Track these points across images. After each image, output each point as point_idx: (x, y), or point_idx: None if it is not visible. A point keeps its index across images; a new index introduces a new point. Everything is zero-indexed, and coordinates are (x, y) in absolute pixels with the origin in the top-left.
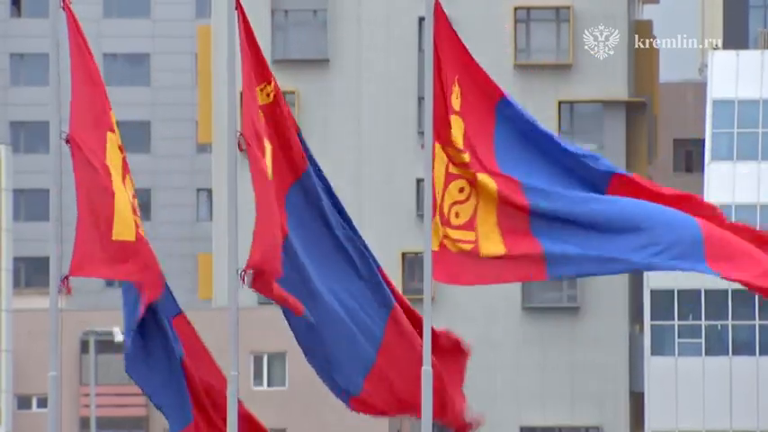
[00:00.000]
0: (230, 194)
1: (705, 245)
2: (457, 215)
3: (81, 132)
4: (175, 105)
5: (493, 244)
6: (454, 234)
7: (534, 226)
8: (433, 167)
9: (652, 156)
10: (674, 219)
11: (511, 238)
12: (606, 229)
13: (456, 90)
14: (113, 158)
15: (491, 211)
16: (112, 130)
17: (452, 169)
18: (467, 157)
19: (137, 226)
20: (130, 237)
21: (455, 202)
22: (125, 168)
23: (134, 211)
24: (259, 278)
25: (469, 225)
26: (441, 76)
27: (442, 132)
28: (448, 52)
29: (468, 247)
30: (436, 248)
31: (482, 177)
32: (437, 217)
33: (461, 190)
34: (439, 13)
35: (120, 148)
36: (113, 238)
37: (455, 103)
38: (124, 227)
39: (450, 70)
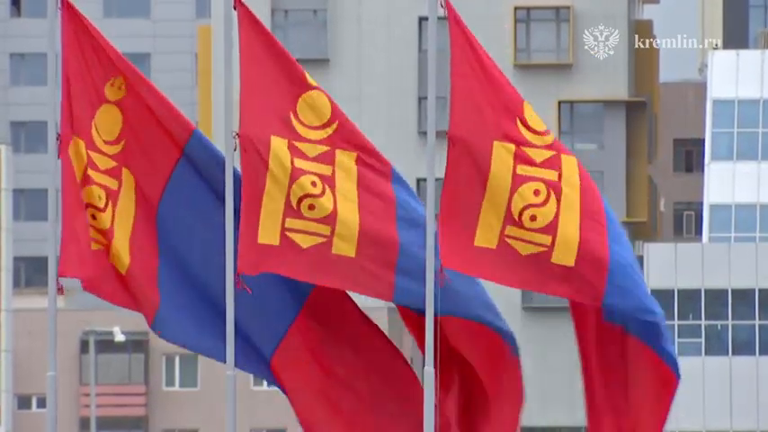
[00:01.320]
0: (228, 194)
1: None
2: (532, 218)
3: (69, 132)
4: (176, 105)
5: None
6: (528, 235)
7: None
8: (491, 167)
9: (652, 155)
10: None
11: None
12: None
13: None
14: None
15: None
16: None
17: (520, 170)
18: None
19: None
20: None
21: (528, 205)
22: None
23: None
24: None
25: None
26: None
27: (505, 126)
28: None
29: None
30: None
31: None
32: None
33: (536, 192)
34: (451, 12)
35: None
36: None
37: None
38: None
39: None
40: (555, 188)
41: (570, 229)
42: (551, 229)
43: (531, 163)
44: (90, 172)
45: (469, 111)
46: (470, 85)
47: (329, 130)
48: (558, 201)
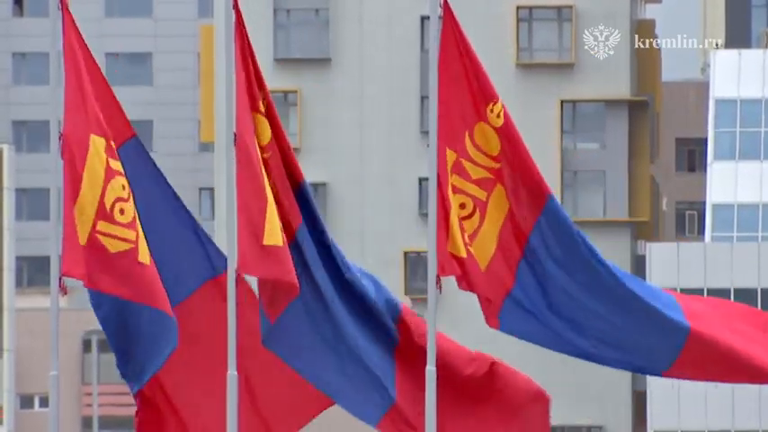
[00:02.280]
0: (229, 194)
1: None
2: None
3: (70, 132)
4: (177, 105)
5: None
6: None
7: None
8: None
9: (654, 155)
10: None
11: None
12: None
13: (497, 107)
14: (94, 163)
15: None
16: (98, 134)
17: (454, 180)
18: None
19: (93, 229)
20: (83, 241)
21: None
22: (109, 173)
23: (105, 217)
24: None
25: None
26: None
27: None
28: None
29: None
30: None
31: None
32: None
33: (462, 206)
34: (448, 13)
35: (109, 152)
36: (79, 242)
37: (493, 119)
38: (83, 231)
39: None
40: (482, 207)
41: (487, 242)
42: (471, 239)
43: (466, 177)
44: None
45: (446, 112)
46: (453, 86)
47: None
48: (483, 218)
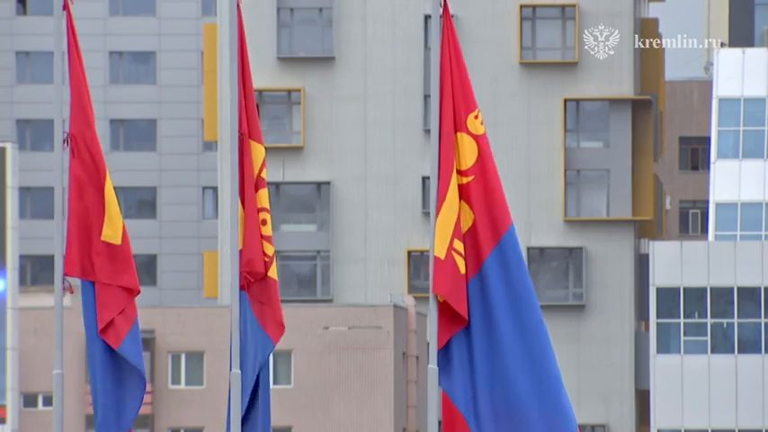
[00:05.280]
0: (233, 192)
1: None
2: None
3: (81, 131)
4: (181, 103)
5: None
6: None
7: None
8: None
9: (658, 154)
10: None
11: None
12: None
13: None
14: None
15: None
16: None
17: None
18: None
19: (122, 229)
20: (116, 240)
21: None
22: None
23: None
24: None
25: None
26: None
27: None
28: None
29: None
30: (442, 257)
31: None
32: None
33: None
34: (446, 15)
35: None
36: (102, 239)
37: (477, 126)
38: (112, 229)
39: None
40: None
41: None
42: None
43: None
44: None
45: (450, 106)
46: (452, 82)
47: None
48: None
